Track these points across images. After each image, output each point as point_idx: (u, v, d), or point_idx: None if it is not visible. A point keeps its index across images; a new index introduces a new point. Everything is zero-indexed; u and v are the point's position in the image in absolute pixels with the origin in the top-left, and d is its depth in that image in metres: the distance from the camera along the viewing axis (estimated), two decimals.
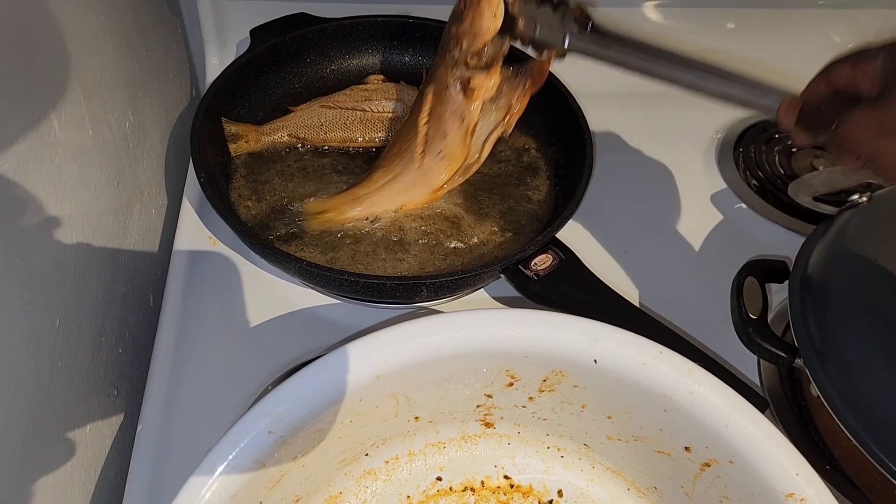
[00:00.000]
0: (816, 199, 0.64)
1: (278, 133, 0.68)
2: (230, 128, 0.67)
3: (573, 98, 0.68)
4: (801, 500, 0.39)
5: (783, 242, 0.69)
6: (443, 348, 0.42)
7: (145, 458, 0.53)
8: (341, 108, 0.70)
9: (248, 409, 0.54)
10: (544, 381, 0.45)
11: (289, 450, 0.39)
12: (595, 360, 0.42)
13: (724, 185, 0.75)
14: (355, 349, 0.41)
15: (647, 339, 0.43)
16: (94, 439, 0.53)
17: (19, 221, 0.42)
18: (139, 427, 0.54)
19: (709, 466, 0.43)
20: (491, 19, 0.55)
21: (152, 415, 0.55)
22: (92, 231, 0.53)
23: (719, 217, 0.72)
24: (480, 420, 0.51)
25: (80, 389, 0.50)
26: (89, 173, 0.53)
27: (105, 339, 0.55)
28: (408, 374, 0.42)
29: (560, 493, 0.51)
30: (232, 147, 0.67)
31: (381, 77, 0.75)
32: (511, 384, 0.46)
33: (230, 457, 0.37)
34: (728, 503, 0.43)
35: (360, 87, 0.73)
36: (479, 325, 0.42)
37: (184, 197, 0.69)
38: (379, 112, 0.70)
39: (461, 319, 0.42)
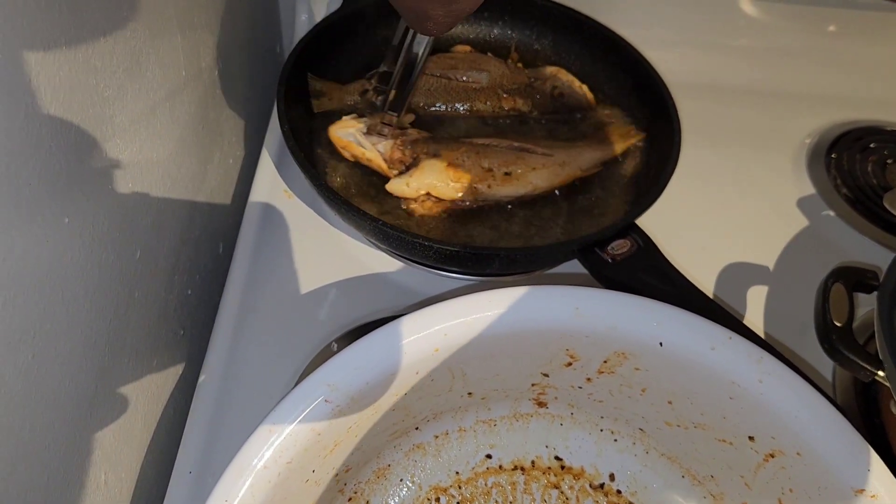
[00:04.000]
0: None
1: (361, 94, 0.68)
2: (315, 84, 0.67)
3: (665, 87, 0.66)
4: (873, 496, 0.37)
5: (870, 254, 0.66)
6: (505, 323, 0.41)
7: (206, 406, 0.53)
8: (426, 74, 0.69)
9: (305, 370, 0.55)
10: (605, 362, 0.44)
11: (344, 420, 0.39)
12: (661, 343, 0.41)
13: (813, 191, 0.72)
14: (415, 321, 0.40)
15: (717, 324, 0.41)
16: (159, 375, 0.54)
17: (114, 150, 0.43)
18: (201, 377, 0.54)
19: (773, 457, 0.41)
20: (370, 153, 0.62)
21: (215, 364, 0.56)
22: (175, 170, 0.54)
23: (805, 222, 0.69)
24: (533, 399, 0.50)
25: (151, 323, 0.51)
26: (178, 113, 0.54)
27: (177, 279, 0.56)
28: (467, 349, 0.41)
29: (612, 476, 0.50)
30: (315, 103, 0.67)
31: (469, 48, 0.74)
32: (570, 364, 0.44)
33: (287, 423, 0.37)
34: (791, 496, 0.41)
35: (447, 55, 0.72)
36: (543, 301, 0.41)
37: (263, 148, 0.70)
38: (464, 81, 0.69)
39: (525, 295, 0.41)
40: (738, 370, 0.40)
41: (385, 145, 0.61)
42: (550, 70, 0.72)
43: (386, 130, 0.61)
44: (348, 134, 0.61)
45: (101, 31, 0.40)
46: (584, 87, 0.71)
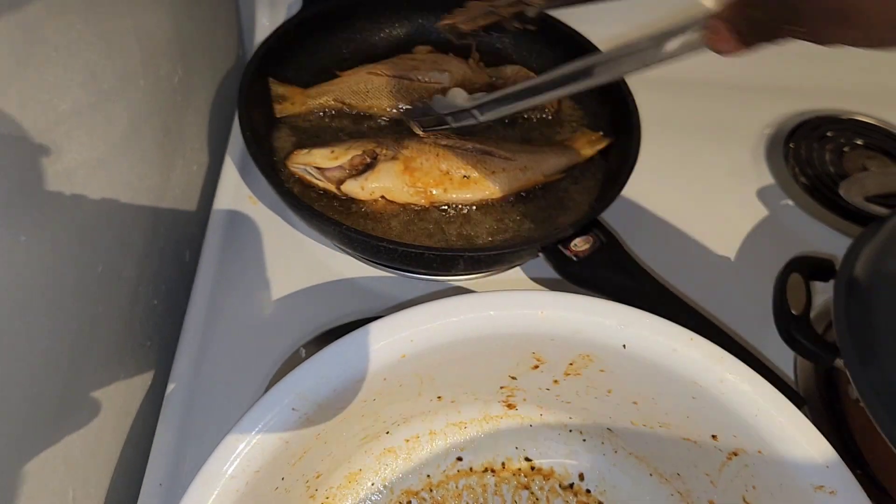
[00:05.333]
0: (868, 199, 0.62)
1: (324, 97, 0.68)
2: (277, 89, 0.67)
3: (625, 83, 0.67)
4: (831, 492, 0.38)
5: (829, 242, 0.68)
6: (471, 329, 0.41)
7: (174, 416, 0.53)
8: (388, 76, 0.69)
9: (273, 376, 0.55)
10: (570, 364, 0.44)
11: (312, 427, 0.39)
12: (624, 345, 0.42)
13: (772, 181, 0.73)
14: (381, 327, 0.40)
15: (679, 325, 0.42)
16: (127, 388, 0.53)
17: (71, 164, 0.42)
18: (169, 388, 0.54)
19: (736, 455, 0.43)
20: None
21: (183, 374, 0.55)
22: (137, 181, 0.54)
23: (764, 212, 0.70)
24: (503, 401, 0.50)
25: (117, 337, 0.51)
26: (138, 124, 0.53)
27: (142, 290, 0.56)
28: (434, 354, 0.41)
29: (581, 476, 0.51)
30: (277, 108, 0.66)
31: (430, 48, 0.74)
32: (536, 367, 0.45)
33: (253, 432, 0.37)
34: (754, 493, 0.42)
35: (408, 56, 0.72)
36: (508, 307, 0.42)
37: (226, 155, 0.69)
38: (426, 82, 0.69)
39: (490, 300, 0.42)
40: (699, 371, 0.41)
41: (344, 160, 0.61)
42: (512, 69, 0.72)
43: (343, 168, 0.61)
44: (301, 168, 0.61)
45: (53, 46, 0.39)
46: None
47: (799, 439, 0.39)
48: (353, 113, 0.69)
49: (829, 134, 0.77)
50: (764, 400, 0.40)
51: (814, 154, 0.75)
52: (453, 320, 0.40)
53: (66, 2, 0.41)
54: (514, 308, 0.41)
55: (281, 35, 0.68)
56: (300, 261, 0.62)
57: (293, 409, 0.37)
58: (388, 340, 0.39)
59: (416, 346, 0.40)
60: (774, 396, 0.40)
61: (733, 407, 0.40)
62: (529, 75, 0.72)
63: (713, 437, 0.42)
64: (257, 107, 0.64)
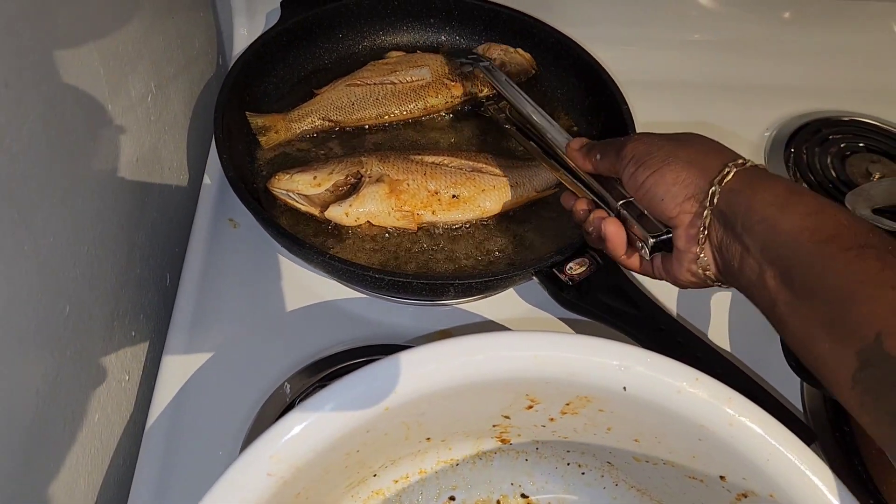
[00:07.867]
0: (876, 211, 0.60)
1: (308, 118, 0.65)
2: (256, 121, 0.63)
3: (619, 92, 0.64)
4: None
5: None
6: (458, 375, 0.38)
7: (154, 456, 0.51)
8: (370, 84, 0.66)
9: (258, 414, 0.52)
10: (567, 404, 0.42)
11: (290, 489, 0.37)
12: (624, 388, 0.39)
13: None
14: (361, 379, 0.37)
15: (683, 363, 0.40)
16: (103, 427, 0.51)
17: (29, 202, 0.39)
18: (149, 421, 0.52)
19: (746, 497, 0.40)
20: None
21: (163, 407, 0.53)
22: (108, 211, 0.51)
23: None
24: (496, 437, 0.48)
25: (89, 378, 0.48)
26: (107, 149, 0.51)
27: (118, 324, 0.53)
28: (419, 403, 0.39)
29: None
30: (262, 140, 0.63)
31: (401, 53, 0.71)
32: (531, 407, 0.42)
33: None
34: None
35: (381, 61, 0.70)
36: (498, 350, 0.39)
37: (205, 174, 0.66)
38: (409, 82, 0.67)
39: (478, 344, 0.39)
40: (706, 412, 0.38)
41: (327, 185, 0.58)
42: (482, 47, 0.70)
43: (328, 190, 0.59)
44: (284, 193, 0.59)
45: (1, 83, 0.36)
46: (520, 51, 0.70)
47: (815, 486, 0.36)
48: (343, 129, 0.66)
49: (830, 137, 0.74)
50: (776, 443, 0.37)
51: (816, 159, 0.72)
52: (439, 367, 0.38)
53: (12, 28, 0.38)
54: (504, 351, 0.38)
55: (259, 48, 0.65)
56: (284, 285, 0.60)
57: (269, 474, 0.34)
58: (370, 393, 0.37)
59: (399, 398, 0.37)
60: (788, 439, 0.37)
61: (743, 450, 0.38)
62: (500, 46, 0.71)
63: (721, 477, 0.40)
64: (237, 125, 0.62)
